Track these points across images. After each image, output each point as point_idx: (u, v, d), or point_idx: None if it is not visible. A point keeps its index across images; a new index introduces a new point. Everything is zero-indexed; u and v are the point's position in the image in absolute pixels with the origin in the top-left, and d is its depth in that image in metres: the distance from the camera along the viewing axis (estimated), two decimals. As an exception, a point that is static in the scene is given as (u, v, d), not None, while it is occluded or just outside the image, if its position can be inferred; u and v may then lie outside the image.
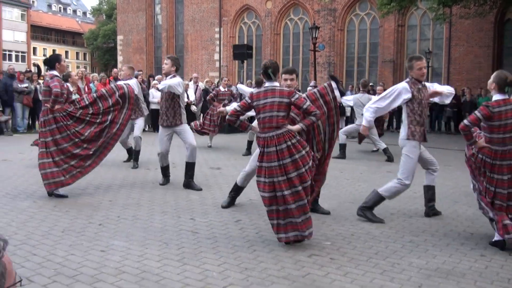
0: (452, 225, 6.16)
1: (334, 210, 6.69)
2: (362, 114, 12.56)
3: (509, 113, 5.26)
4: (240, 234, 5.54)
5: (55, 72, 7.34)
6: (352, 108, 14.72)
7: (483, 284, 4.26)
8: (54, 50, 75.86)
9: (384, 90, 12.88)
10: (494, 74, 5.55)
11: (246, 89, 13.14)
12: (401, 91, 6.25)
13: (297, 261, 4.69)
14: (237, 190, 6.90)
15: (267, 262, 4.65)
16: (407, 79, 6.43)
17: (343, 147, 12.49)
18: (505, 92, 5.32)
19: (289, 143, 5.15)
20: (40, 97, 7.57)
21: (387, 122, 21.68)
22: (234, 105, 5.44)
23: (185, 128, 8.14)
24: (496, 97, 5.37)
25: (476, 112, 5.35)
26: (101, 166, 9.92)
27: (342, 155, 12.41)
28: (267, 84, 5.44)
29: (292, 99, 5.22)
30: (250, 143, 12.57)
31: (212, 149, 13.54)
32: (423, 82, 6.38)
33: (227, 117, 5.58)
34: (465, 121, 5.36)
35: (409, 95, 6.19)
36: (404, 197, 7.78)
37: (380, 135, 12.94)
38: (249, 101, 5.42)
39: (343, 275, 4.36)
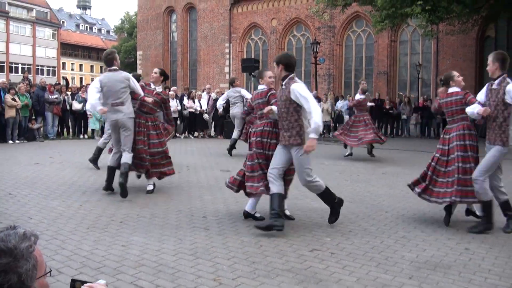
0: (440, 222, 6.12)
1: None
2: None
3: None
4: (248, 231, 5.52)
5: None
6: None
7: (467, 274, 4.25)
8: (81, 65, 76.51)
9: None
10: None
11: (248, 94, 13.09)
12: None
13: (300, 255, 4.67)
14: None
15: (273, 256, 4.64)
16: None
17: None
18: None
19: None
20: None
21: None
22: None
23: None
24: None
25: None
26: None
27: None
28: (258, 87, 6.29)
29: (267, 98, 5.99)
30: None
31: (222, 153, 13.40)
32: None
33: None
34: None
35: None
36: (398, 197, 7.76)
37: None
38: (251, 101, 6.38)
39: (341, 268, 4.34)
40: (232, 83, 13.24)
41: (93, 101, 7.17)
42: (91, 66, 78.54)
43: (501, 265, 4.56)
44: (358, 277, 4.12)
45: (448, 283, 4.03)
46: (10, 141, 15.06)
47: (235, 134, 12.92)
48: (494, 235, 5.58)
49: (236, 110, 12.87)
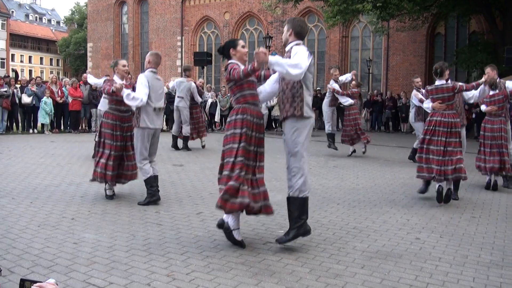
0: (391, 213, 6.26)
1: (285, 201, 6.70)
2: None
3: None
4: (201, 225, 5.51)
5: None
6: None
7: (418, 263, 4.36)
8: (30, 57, 74.20)
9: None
10: None
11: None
12: None
13: (254, 249, 4.69)
14: None
15: (226, 250, 4.64)
16: None
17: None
18: None
19: None
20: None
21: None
22: None
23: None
24: None
25: None
26: (74, 165, 9.75)
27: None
28: None
29: None
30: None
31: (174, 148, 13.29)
32: None
33: None
34: None
35: None
36: (349, 189, 7.88)
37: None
38: None
39: (295, 260, 4.38)
40: (186, 70, 13.18)
41: None
42: (41, 58, 76.34)
43: (451, 253, 4.70)
44: (311, 268, 4.17)
45: (399, 272, 4.12)
46: (-44, 136, 14.52)
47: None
48: (444, 224, 5.75)
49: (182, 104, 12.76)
